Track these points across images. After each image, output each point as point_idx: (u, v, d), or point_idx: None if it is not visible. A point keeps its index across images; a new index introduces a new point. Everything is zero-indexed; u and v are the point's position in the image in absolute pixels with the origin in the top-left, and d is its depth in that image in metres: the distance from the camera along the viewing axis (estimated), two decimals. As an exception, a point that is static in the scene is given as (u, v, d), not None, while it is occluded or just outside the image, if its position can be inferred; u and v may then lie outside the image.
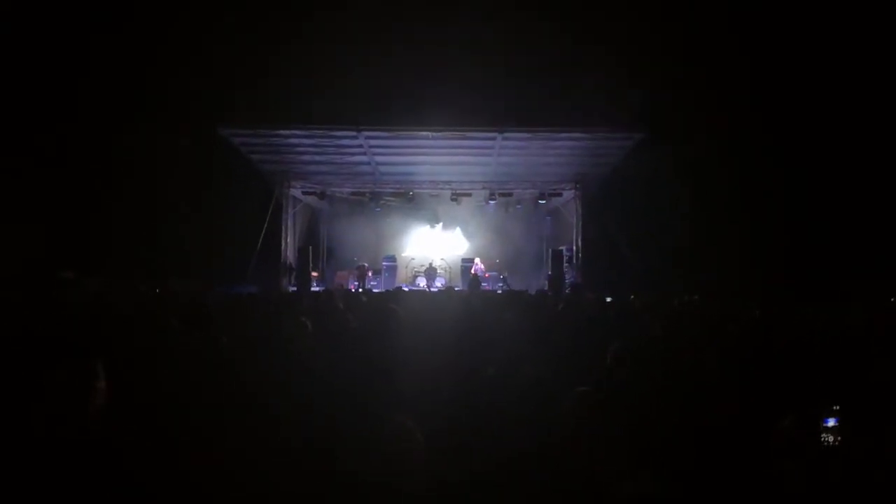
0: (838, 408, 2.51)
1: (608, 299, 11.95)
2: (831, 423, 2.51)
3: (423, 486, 2.24)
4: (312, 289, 19.54)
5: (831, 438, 2.47)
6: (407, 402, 3.11)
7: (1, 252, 15.56)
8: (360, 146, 19.68)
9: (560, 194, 22.46)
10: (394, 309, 5.33)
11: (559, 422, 2.57)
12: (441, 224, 25.19)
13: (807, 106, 17.00)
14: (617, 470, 2.33)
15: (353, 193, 23.43)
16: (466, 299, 10.50)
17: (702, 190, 19.16)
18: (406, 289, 20.13)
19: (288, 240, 22.06)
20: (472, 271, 22.31)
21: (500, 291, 19.16)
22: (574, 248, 22.07)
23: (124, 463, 2.53)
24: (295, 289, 19.93)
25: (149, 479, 2.53)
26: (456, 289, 18.48)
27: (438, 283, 22.35)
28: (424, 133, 18.49)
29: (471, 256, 23.84)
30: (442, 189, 22.41)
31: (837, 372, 4.08)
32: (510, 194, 22.63)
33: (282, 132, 18.75)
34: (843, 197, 17.16)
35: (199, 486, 2.63)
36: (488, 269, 23.50)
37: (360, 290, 20.39)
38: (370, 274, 22.90)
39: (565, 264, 22.03)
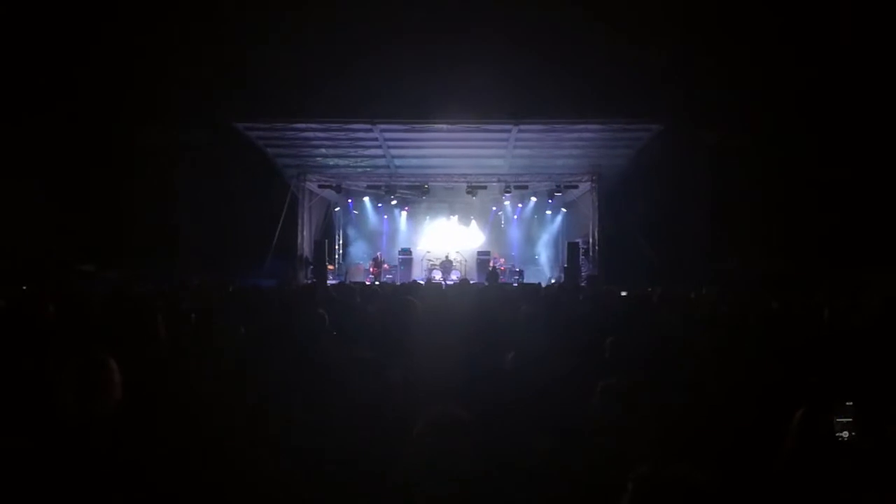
0: (851, 403, 2.50)
1: (623, 293, 11.89)
2: (846, 413, 2.50)
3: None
4: (329, 282, 19.60)
5: (846, 433, 2.46)
6: (428, 395, 3.11)
7: (22, 245, 15.76)
8: (376, 139, 19.70)
9: (576, 186, 22.35)
10: (412, 301, 5.34)
11: (582, 415, 2.56)
12: (456, 217, 25.17)
13: (828, 93, 16.75)
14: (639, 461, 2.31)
15: (369, 187, 23.45)
16: (483, 292, 10.50)
17: (720, 181, 18.98)
18: (422, 282, 20.14)
19: (304, 233, 22.14)
20: (491, 265, 22.30)
21: (515, 285, 19.12)
22: (590, 240, 21.97)
23: (138, 456, 2.54)
24: (312, 282, 20.00)
25: (163, 473, 2.54)
26: (471, 281, 18.47)
27: (454, 277, 22.33)
28: (440, 126, 18.46)
29: (486, 249, 23.83)
30: (457, 182, 22.38)
31: (853, 365, 4.04)
32: (526, 187, 22.56)
33: (297, 126, 18.82)
34: (868, 186, 16.91)
35: (217, 482, 2.64)
36: (503, 262, 23.52)
37: (377, 283, 20.42)
38: (386, 267, 22.95)
39: (581, 257, 21.96)
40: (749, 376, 3.78)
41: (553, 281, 21.12)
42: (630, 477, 1.76)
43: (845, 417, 2.49)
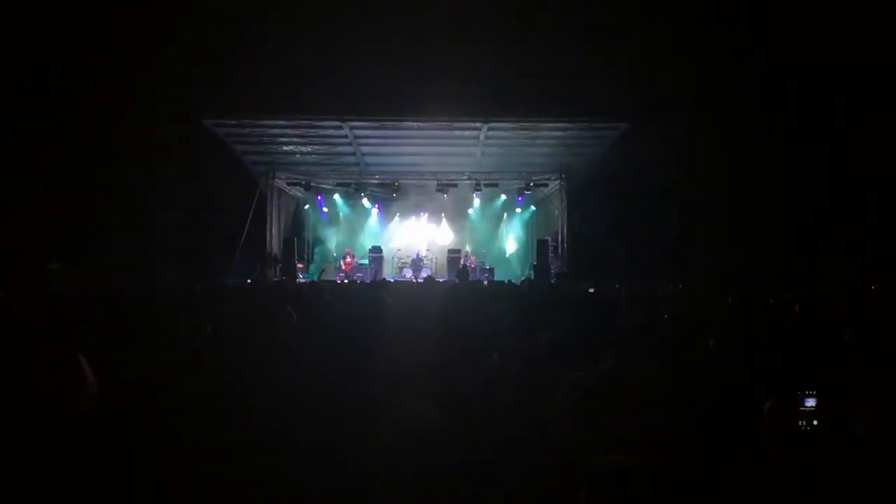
0: (814, 392, 2.57)
1: (590, 290, 12.02)
2: (810, 403, 2.57)
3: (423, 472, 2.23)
4: (298, 280, 19.50)
5: (805, 422, 2.53)
6: (397, 393, 3.12)
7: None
8: (345, 136, 19.61)
9: (546, 184, 22.50)
10: (383, 299, 5.35)
11: (552, 408, 2.60)
12: (427, 215, 25.18)
13: (793, 92, 17.03)
14: (606, 451, 2.35)
15: (339, 184, 23.35)
16: (453, 290, 10.54)
17: (688, 179, 19.22)
18: (392, 280, 20.14)
19: (273, 231, 21.99)
20: (461, 262, 22.35)
21: (485, 283, 19.21)
22: (560, 237, 22.13)
23: (113, 458, 2.52)
24: (281, 279, 19.88)
25: (137, 474, 2.52)
26: (439, 280, 18.52)
27: (425, 275, 22.36)
28: (410, 123, 18.45)
29: (457, 247, 23.88)
30: (428, 180, 22.39)
31: (814, 357, 4.13)
32: (496, 185, 22.64)
33: (266, 122, 18.66)
34: (831, 184, 17.24)
35: (191, 483, 2.63)
36: (474, 259, 23.60)
37: (346, 280, 20.38)
38: (356, 260, 22.90)
39: (551, 254, 22.11)
40: (715, 370, 3.85)
41: (524, 279, 21.24)
42: (585, 473, 1.79)
43: (808, 408, 2.56)
